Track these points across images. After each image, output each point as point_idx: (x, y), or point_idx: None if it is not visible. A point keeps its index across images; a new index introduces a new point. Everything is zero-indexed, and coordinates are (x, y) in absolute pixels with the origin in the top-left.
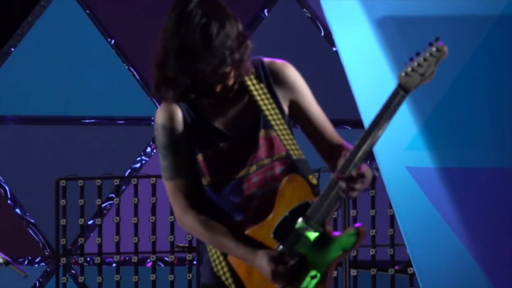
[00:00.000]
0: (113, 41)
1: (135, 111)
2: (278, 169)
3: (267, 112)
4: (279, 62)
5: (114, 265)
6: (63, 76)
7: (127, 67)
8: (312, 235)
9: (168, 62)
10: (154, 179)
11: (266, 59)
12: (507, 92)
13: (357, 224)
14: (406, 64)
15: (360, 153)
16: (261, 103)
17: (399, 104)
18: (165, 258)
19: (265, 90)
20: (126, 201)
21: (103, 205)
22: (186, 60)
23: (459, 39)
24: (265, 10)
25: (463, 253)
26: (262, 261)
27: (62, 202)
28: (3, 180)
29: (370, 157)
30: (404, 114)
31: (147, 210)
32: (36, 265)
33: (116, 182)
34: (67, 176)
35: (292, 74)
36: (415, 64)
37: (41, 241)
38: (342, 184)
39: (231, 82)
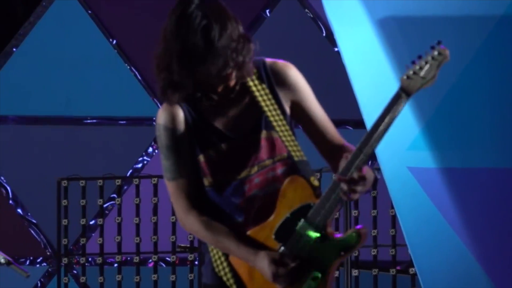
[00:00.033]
0: (114, 41)
1: (137, 111)
2: (279, 170)
3: (269, 113)
4: (281, 62)
5: (115, 265)
6: (64, 76)
7: (128, 67)
8: (314, 236)
9: (171, 65)
10: (155, 179)
11: (268, 60)
12: (508, 92)
13: (358, 226)
14: (408, 67)
15: (361, 156)
16: (263, 104)
17: (400, 107)
18: (167, 258)
19: (267, 91)
20: (127, 201)
21: (105, 205)
22: (188, 62)
23: (460, 39)
24: (267, 10)
25: (464, 253)
26: (263, 263)
27: (64, 202)
28: (4, 180)
29: (371, 157)
30: (406, 115)
31: (148, 210)
32: (37, 265)
33: (118, 182)
34: (69, 176)
35: (294, 74)
36: (417, 67)
37: (43, 241)
38: (344, 186)
39: (232, 83)
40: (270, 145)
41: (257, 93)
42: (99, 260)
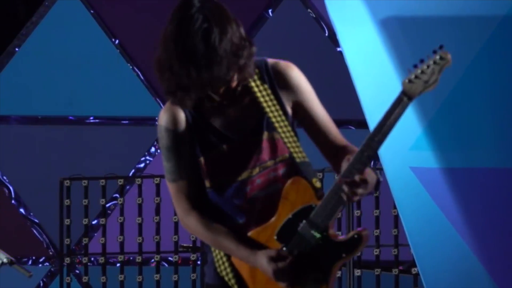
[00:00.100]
0: (117, 41)
1: (139, 111)
2: (281, 170)
3: (270, 114)
4: (283, 63)
5: (118, 265)
6: (67, 76)
7: (131, 67)
8: (315, 238)
9: (173, 68)
10: (158, 179)
11: (270, 60)
12: (511, 93)
13: (360, 228)
14: (410, 71)
15: (363, 158)
16: (264, 105)
17: (402, 110)
18: (169, 258)
19: (269, 92)
20: (130, 201)
21: (107, 205)
22: (192, 66)
23: (463, 39)
24: (269, 10)
25: (467, 253)
26: (262, 262)
27: (66, 202)
28: (7, 180)
29: (374, 157)
30: (409, 115)
31: (151, 210)
32: (40, 265)
33: (120, 182)
34: (71, 176)
35: (296, 75)
36: (419, 71)
37: (45, 241)
38: (345, 189)
39: (234, 84)
40: (271, 146)
41: (258, 94)
42: (101, 260)
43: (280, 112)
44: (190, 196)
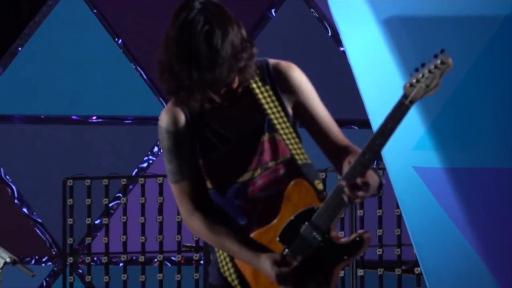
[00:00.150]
0: (120, 41)
1: (142, 111)
2: (282, 171)
3: (272, 116)
4: (284, 63)
5: (121, 264)
6: (70, 76)
7: (134, 66)
8: (317, 240)
9: (175, 70)
10: (161, 178)
11: (271, 61)
12: None
13: (362, 231)
14: (412, 74)
15: (365, 161)
16: (266, 106)
17: (403, 114)
18: (172, 258)
19: (271, 93)
20: (133, 201)
21: (110, 205)
22: (194, 68)
23: (466, 39)
24: (273, 10)
25: (470, 253)
26: (265, 265)
27: (69, 201)
28: (10, 180)
29: (376, 159)
30: (412, 114)
31: (154, 209)
32: (43, 265)
33: (123, 181)
34: (74, 175)
35: (297, 75)
36: (420, 75)
37: (48, 241)
38: (346, 191)
39: (235, 85)
40: (273, 147)
41: (260, 95)
42: (104, 259)
43: (282, 114)
44: (193, 197)
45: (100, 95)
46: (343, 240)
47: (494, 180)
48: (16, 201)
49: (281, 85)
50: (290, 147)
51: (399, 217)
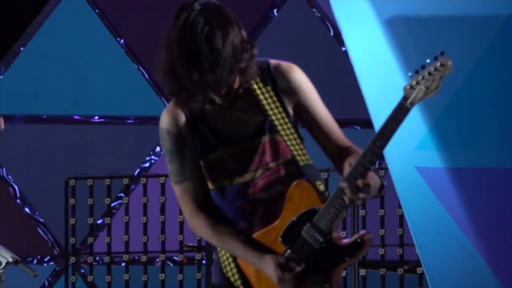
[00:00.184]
0: (122, 41)
1: (144, 111)
2: (283, 171)
3: (273, 117)
4: (285, 64)
5: (123, 264)
6: (72, 76)
7: (136, 66)
8: (319, 241)
9: (175, 70)
10: (163, 178)
11: (272, 61)
12: None
13: (363, 232)
14: (412, 76)
15: (366, 163)
16: (267, 107)
17: (404, 115)
18: (174, 258)
19: (272, 94)
20: (135, 201)
21: (112, 205)
22: (196, 69)
23: (468, 39)
24: (275, 10)
25: (472, 253)
26: (268, 267)
27: (71, 201)
28: (12, 180)
29: (379, 157)
30: (414, 114)
31: (156, 209)
32: (45, 264)
33: (125, 181)
34: (76, 175)
35: (298, 76)
36: (420, 77)
37: (50, 240)
38: (347, 193)
39: (236, 86)
40: (274, 148)
41: (261, 96)
42: (106, 259)
43: (283, 114)
44: (196, 197)
45: (102, 95)
46: (344, 241)
47: (496, 180)
48: (18, 201)
49: (282, 86)
50: (291, 147)
51: (401, 217)
